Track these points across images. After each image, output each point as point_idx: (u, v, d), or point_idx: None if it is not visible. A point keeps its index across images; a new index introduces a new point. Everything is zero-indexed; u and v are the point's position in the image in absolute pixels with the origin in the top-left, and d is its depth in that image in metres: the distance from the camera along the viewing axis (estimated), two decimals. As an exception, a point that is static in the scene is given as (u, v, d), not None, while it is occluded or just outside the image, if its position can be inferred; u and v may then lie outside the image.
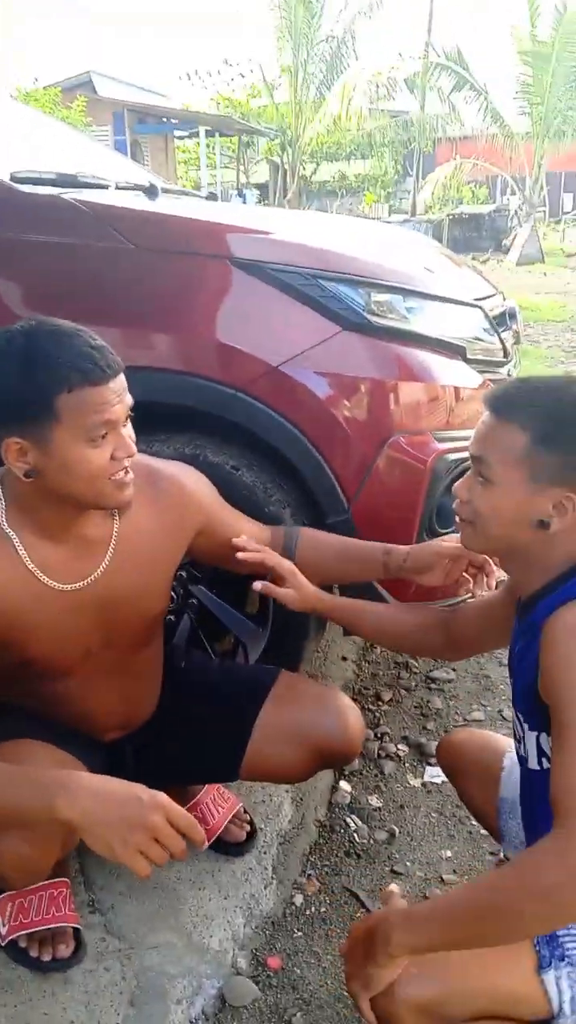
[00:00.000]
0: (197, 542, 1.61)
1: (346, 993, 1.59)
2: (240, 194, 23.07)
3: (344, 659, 2.71)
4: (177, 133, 21.71)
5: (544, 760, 1.26)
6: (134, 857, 1.16)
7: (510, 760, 1.60)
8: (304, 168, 24.73)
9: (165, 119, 19.89)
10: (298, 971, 1.67)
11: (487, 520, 1.25)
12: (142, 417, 2.09)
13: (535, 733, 1.27)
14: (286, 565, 1.64)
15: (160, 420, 2.06)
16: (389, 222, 19.81)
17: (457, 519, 1.33)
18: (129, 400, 1.35)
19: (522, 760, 1.34)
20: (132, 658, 1.60)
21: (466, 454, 2.08)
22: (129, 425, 1.37)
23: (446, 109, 20.62)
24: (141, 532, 1.48)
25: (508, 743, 1.65)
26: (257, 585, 1.64)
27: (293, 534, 1.75)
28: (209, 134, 21.45)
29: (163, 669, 1.72)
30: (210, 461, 1.97)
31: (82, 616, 1.47)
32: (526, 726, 1.31)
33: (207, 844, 1.84)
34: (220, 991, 1.60)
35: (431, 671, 2.70)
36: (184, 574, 2.05)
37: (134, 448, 1.36)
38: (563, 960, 1.16)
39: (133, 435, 1.38)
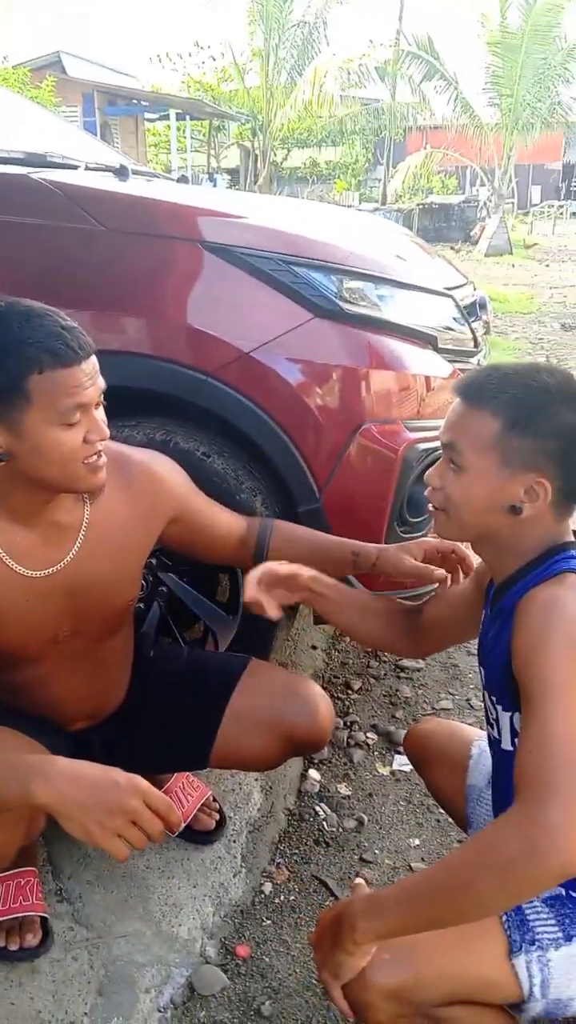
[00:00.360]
0: (169, 531, 1.59)
1: (315, 981, 1.61)
2: (211, 178, 22.90)
3: (314, 648, 2.70)
4: (147, 115, 21.48)
5: (517, 740, 1.26)
6: (112, 841, 1.15)
7: (478, 748, 1.60)
8: (275, 154, 24.59)
9: (135, 101, 19.69)
10: (267, 959, 1.67)
11: (460, 507, 1.25)
12: (113, 402, 2.08)
13: (509, 714, 1.27)
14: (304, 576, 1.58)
15: (130, 405, 2.04)
16: (360, 210, 19.82)
17: (430, 507, 1.32)
18: (102, 383, 1.33)
19: (495, 743, 1.35)
20: (100, 646, 1.58)
21: (437, 444, 2.10)
22: (102, 408, 1.35)
23: (417, 98, 20.59)
24: (112, 519, 1.46)
25: (477, 733, 1.66)
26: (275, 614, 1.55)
27: (267, 527, 1.71)
28: (180, 117, 21.26)
29: (132, 658, 1.70)
30: (180, 447, 1.96)
31: (51, 603, 1.45)
32: (499, 707, 1.31)
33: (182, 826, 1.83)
34: (189, 980, 1.60)
35: (400, 660, 2.70)
36: (154, 561, 2.03)
37: (107, 431, 1.34)
38: (533, 944, 1.16)
39: (104, 418, 1.36)
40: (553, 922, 1.19)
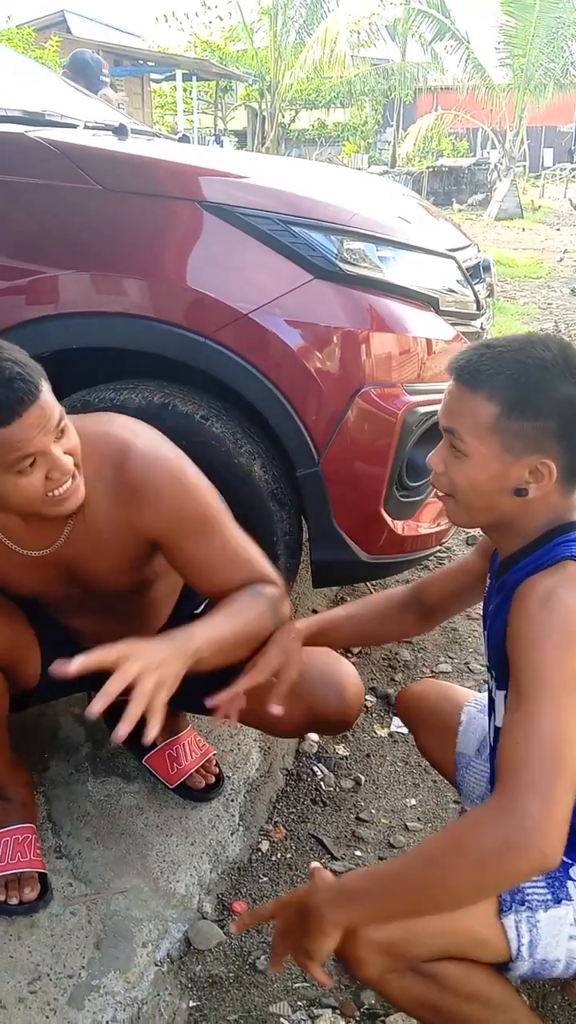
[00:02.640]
0: (162, 552, 1.52)
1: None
2: (218, 140, 22.50)
3: (314, 612, 2.71)
4: (154, 76, 21.14)
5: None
6: None
7: (467, 715, 1.60)
8: (283, 115, 24.24)
9: (141, 61, 19.36)
10: (262, 915, 1.69)
11: (466, 493, 1.23)
12: (111, 364, 2.07)
13: (503, 692, 1.27)
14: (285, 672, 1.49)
15: (129, 367, 2.03)
16: (369, 173, 19.56)
17: (437, 493, 1.31)
18: (57, 414, 1.28)
19: (491, 715, 1.35)
20: (121, 602, 1.61)
21: (437, 407, 2.09)
22: (68, 434, 1.32)
23: (428, 58, 20.23)
24: (98, 516, 1.44)
25: (468, 695, 1.66)
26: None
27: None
28: (186, 78, 20.90)
29: (169, 604, 1.73)
30: (179, 410, 1.96)
31: (52, 573, 1.51)
32: (494, 684, 1.31)
33: (175, 785, 1.87)
34: (185, 935, 1.62)
35: (400, 624, 2.71)
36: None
37: (69, 464, 1.31)
38: (523, 904, 1.17)
39: (74, 442, 1.33)
40: (543, 885, 1.20)
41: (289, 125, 25.95)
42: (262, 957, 1.60)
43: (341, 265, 1.94)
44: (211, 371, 1.92)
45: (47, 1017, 1.43)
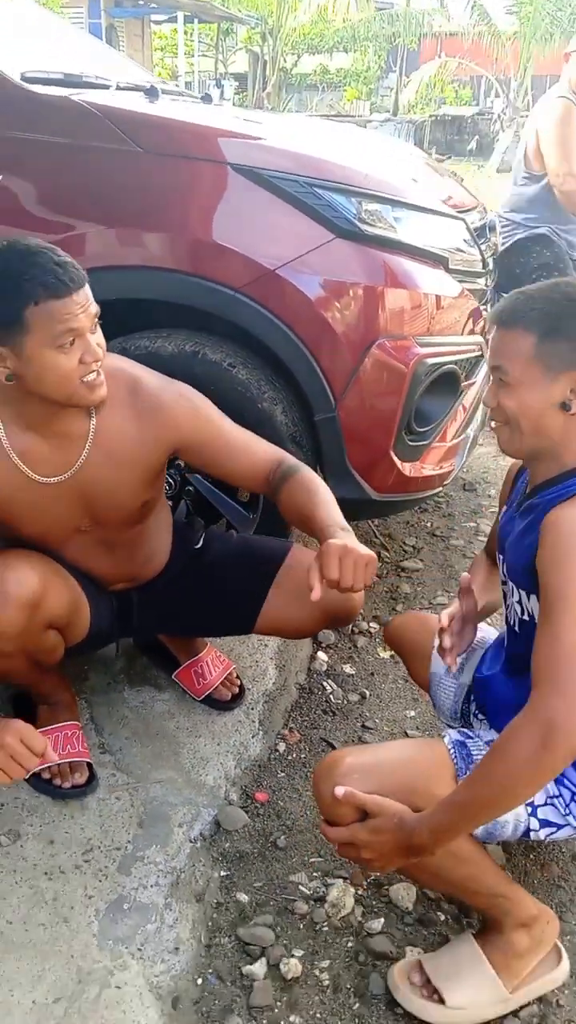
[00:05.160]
0: (185, 458, 1.76)
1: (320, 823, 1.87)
2: (218, 84, 22.31)
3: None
4: (154, 18, 20.83)
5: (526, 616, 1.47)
6: None
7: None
8: (284, 60, 23.93)
9: (142, 2, 19.05)
10: (281, 803, 1.93)
11: (519, 416, 1.40)
12: (146, 314, 2.24)
13: (530, 596, 1.46)
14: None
15: (163, 317, 2.21)
16: (370, 121, 19.38)
17: (492, 424, 1.49)
18: (95, 309, 1.50)
19: (516, 617, 1.53)
20: (125, 533, 1.80)
21: (445, 359, 2.29)
22: (99, 332, 1.53)
23: (433, 3, 19.96)
24: (117, 435, 1.64)
25: None
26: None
27: (287, 474, 1.73)
28: (188, 20, 20.63)
29: (168, 535, 1.93)
30: (209, 358, 2.14)
31: (65, 503, 1.67)
32: (521, 592, 1.49)
33: (202, 698, 2.10)
34: (215, 817, 1.86)
35: (401, 561, 2.93)
36: (182, 463, 2.23)
37: (100, 353, 1.52)
38: None
39: (103, 341, 1.54)
40: None
41: (291, 70, 25.60)
42: (282, 837, 1.84)
43: (360, 225, 2.11)
44: (240, 322, 2.10)
45: (100, 881, 1.67)
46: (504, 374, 1.40)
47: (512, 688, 1.55)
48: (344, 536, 1.55)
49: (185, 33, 21.24)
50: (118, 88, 2.52)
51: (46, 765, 1.82)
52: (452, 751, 1.43)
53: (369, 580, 1.53)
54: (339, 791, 1.35)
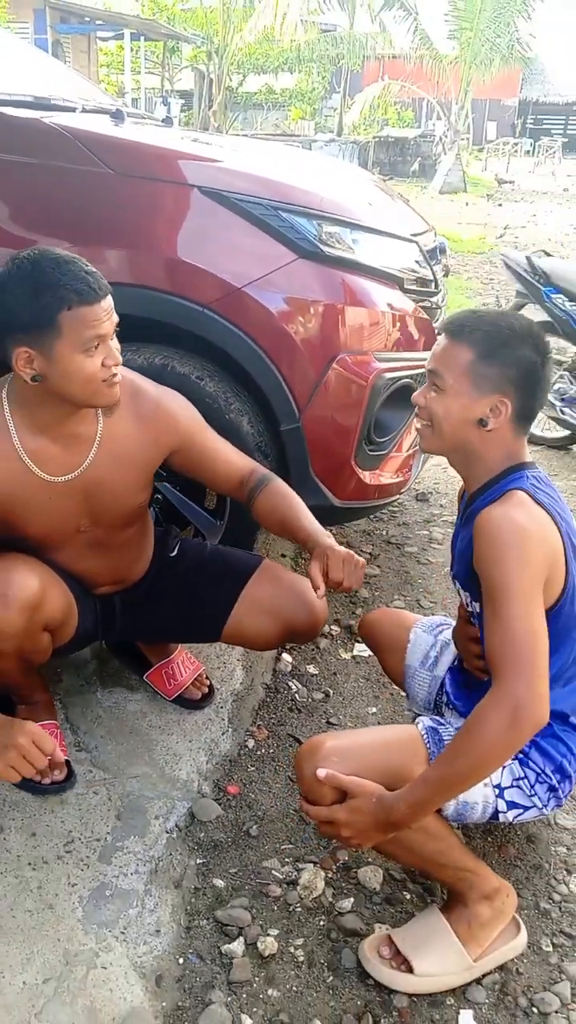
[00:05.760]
0: (173, 459, 1.86)
1: (294, 811, 1.96)
2: (165, 102, 22.43)
3: (283, 556, 3.03)
4: (100, 35, 20.89)
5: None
6: (6, 770, 1.47)
7: (414, 634, 1.95)
8: (230, 79, 24.14)
9: (88, 19, 19.12)
10: (252, 795, 2.02)
11: (441, 420, 1.55)
12: (120, 329, 2.32)
13: (476, 602, 1.60)
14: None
15: (134, 332, 2.29)
16: (315, 140, 19.65)
17: (416, 425, 1.62)
18: (115, 318, 1.62)
19: (478, 619, 1.65)
20: (118, 535, 1.90)
21: (401, 374, 2.41)
22: (115, 338, 1.64)
23: (376, 27, 20.35)
24: (121, 437, 1.76)
25: (415, 618, 2.00)
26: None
27: (262, 482, 1.88)
28: (134, 38, 20.73)
29: (151, 541, 2.03)
30: (178, 371, 2.23)
31: (70, 502, 1.77)
32: (469, 597, 1.64)
33: (173, 698, 2.18)
34: (190, 810, 1.94)
35: (359, 567, 3.05)
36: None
37: (119, 357, 1.64)
38: None
39: (119, 347, 1.65)
40: None
41: (237, 88, 25.84)
42: (254, 826, 1.93)
43: (321, 246, 2.24)
44: (208, 337, 2.20)
45: (82, 870, 1.74)
46: (438, 379, 1.54)
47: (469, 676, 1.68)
48: (331, 542, 1.73)
49: (132, 50, 21.32)
50: (84, 110, 2.61)
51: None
52: (425, 736, 1.55)
53: (360, 582, 1.72)
54: (321, 773, 1.46)
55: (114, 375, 1.63)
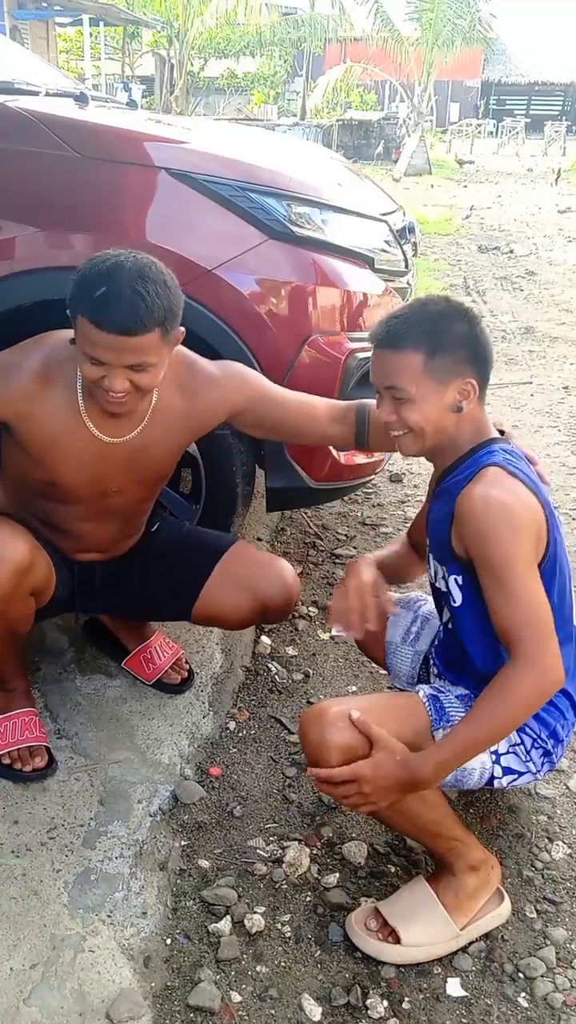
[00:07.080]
0: (241, 420, 1.89)
1: (275, 791, 1.97)
2: (126, 87, 22.12)
3: (259, 539, 3.03)
4: (59, 20, 20.55)
5: (462, 596, 1.60)
6: None
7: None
8: (192, 63, 23.96)
9: (46, 5, 18.79)
10: (235, 777, 2.03)
11: (422, 426, 1.55)
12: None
13: (453, 576, 1.61)
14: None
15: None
16: (279, 124, 19.55)
17: (394, 434, 1.61)
18: (134, 360, 1.56)
19: (444, 596, 1.67)
20: (137, 506, 1.93)
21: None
22: (151, 374, 1.60)
23: (336, 10, 20.27)
24: (172, 411, 1.79)
25: (394, 597, 1.99)
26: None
27: (364, 408, 1.90)
28: (93, 23, 20.44)
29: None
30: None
31: (111, 465, 1.79)
32: (445, 571, 1.64)
33: (152, 682, 2.18)
34: (173, 792, 1.94)
35: (335, 548, 3.06)
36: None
37: (120, 388, 1.58)
38: (448, 723, 1.54)
39: (145, 383, 1.60)
40: (463, 710, 1.57)
41: (199, 73, 25.65)
42: (238, 807, 1.94)
43: (291, 227, 2.23)
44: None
45: (66, 856, 1.74)
46: (400, 392, 1.54)
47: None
48: None
49: (91, 36, 21.05)
50: (48, 94, 2.58)
51: (6, 751, 1.89)
52: (427, 703, 1.58)
53: None
54: (355, 714, 1.49)
55: (110, 394, 1.61)
